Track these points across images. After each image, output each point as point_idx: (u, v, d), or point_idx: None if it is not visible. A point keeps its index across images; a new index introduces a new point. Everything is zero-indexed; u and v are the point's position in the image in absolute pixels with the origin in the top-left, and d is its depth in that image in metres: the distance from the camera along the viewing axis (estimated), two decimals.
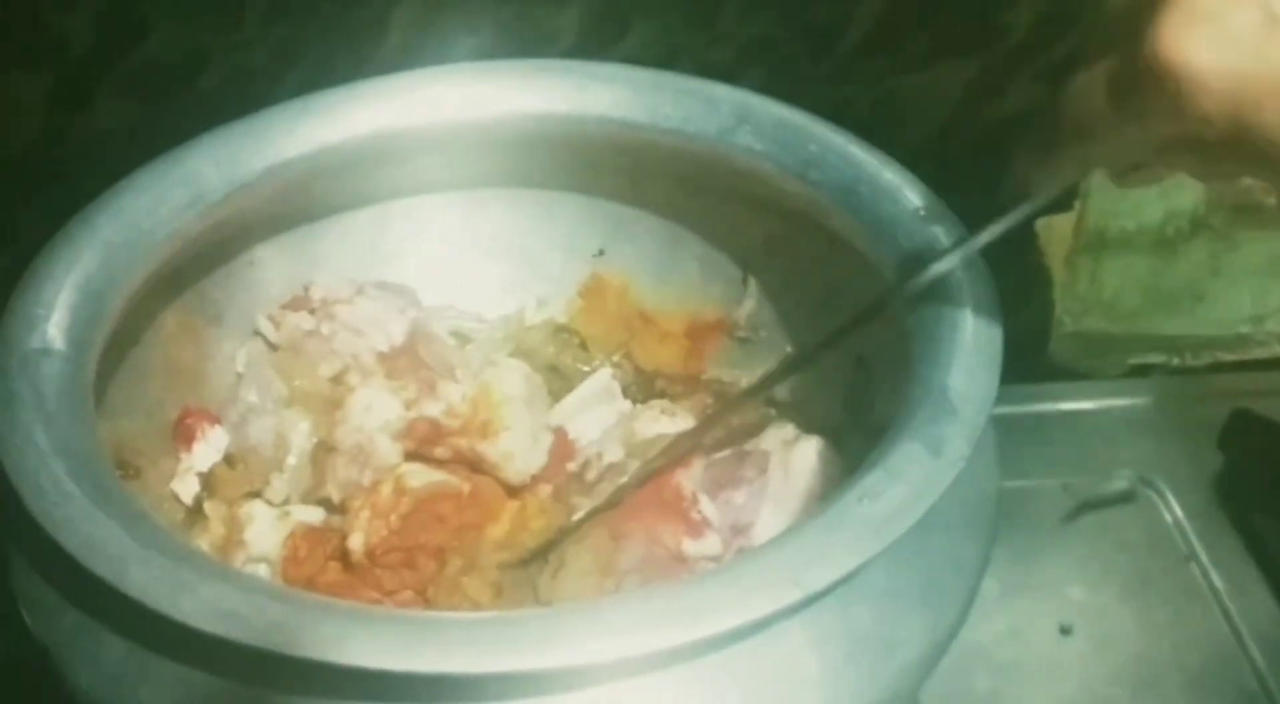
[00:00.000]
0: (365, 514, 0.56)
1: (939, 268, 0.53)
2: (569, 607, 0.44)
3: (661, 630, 0.42)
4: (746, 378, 0.69)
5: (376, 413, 0.60)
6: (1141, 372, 0.91)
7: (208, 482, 0.61)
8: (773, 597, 0.43)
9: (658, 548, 0.57)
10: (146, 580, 0.43)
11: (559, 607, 0.44)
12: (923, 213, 0.58)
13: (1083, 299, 0.90)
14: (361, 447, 0.59)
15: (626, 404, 0.65)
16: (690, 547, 0.58)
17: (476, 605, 0.54)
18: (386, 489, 0.57)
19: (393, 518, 0.56)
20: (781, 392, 0.67)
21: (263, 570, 0.56)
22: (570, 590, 0.54)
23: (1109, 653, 0.66)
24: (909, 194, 0.59)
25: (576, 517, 0.59)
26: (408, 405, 0.60)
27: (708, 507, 0.60)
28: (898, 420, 0.50)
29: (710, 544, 0.58)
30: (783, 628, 0.44)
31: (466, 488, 0.59)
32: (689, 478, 0.61)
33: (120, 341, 0.56)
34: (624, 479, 0.61)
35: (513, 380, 0.61)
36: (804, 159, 0.61)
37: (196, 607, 0.42)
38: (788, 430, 0.63)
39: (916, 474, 0.47)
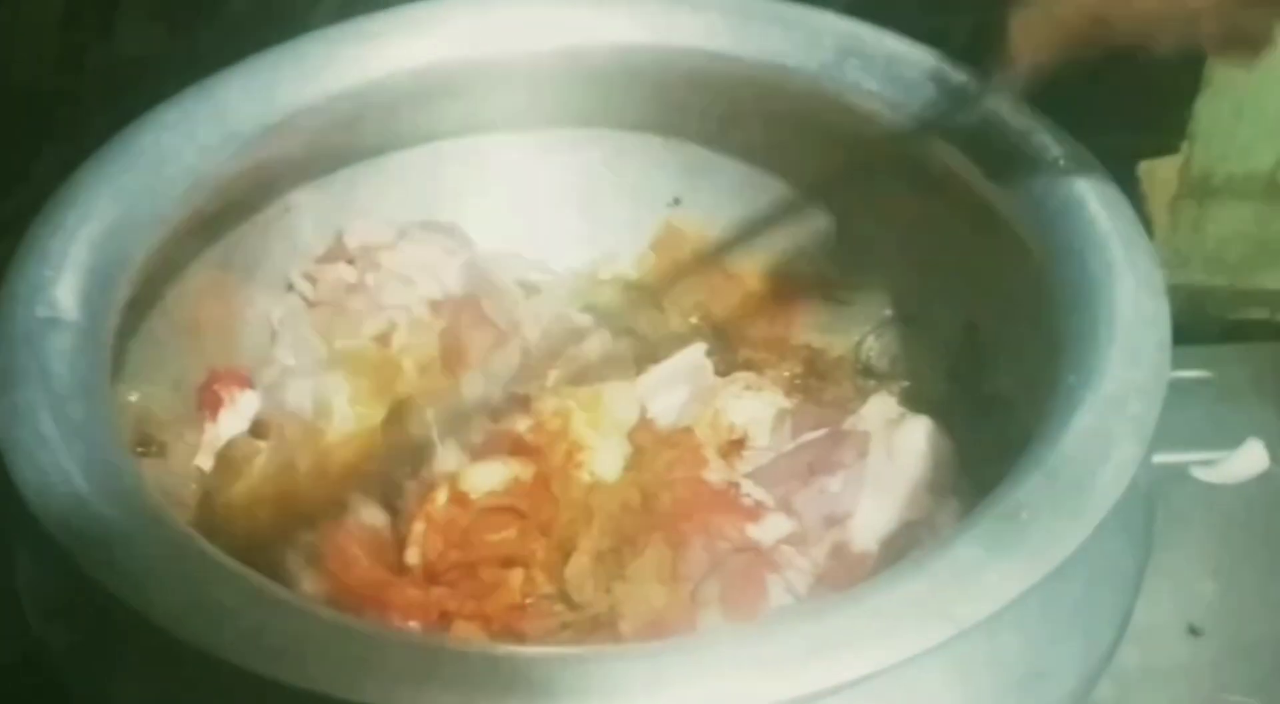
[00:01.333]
0: (420, 527, 0.49)
1: None
2: (677, 644, 0.37)
3: (788, 673, 0.35)
4: (840, 344, 0.62)
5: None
6: (1241, 329, 0.84)
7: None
8: (920, 634, 0.37)
9: (721, 543, 0.51)
10: (175, 606, 0.36)
11: (667, 643, 0.37)
12: (1062, 161, 0.51)
13: (1184, 250, 0.83)
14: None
15: (710, 381, 0.58)
16: (756, 532, 0.51)
17: (546, 627, 0.47)
18: (442, 498, 0.50)
19: (452, 531, 0.49)
20: (879, 361, 0.61)
21: None
22: (642, 605, 0.47)
23: (1244, 656, 0.60)
24: (1045, 140, 0.52)
25: None
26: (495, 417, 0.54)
27: (753, 488, 0.53)
28: (1047, 411, 0.43)
29: (777, 524, 0.52)
30: (921, 663, 0.37)
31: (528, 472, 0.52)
32: (714, 470, 0.54)
33: (140, 302, 0.50)
34: None
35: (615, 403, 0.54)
36: (922, 99, 0.54)
37: (237, 640, 0.35)
38: (890, 406, 0.56)
39: (1083, 482, 0.40)
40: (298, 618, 0.36)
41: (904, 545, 0.51)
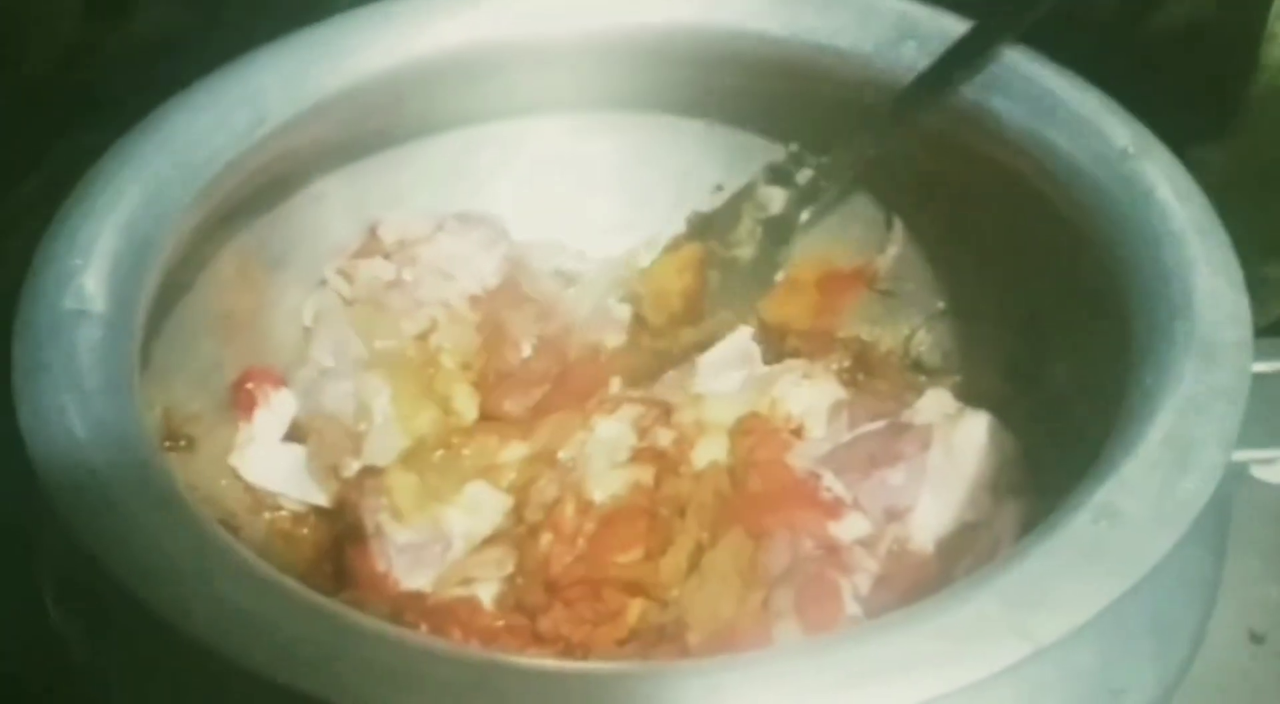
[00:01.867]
0: (548, 538, 0.47)
1: None
2: (736, 662, 0.35)
3: (851, 694, 0.33)
4: (889, 337, 0.60)
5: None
6: None
7: None
8: (993, 653, 0.34)
9: (804, 540, 0.49)
10: (201, 610, 0.34)
11: (725, 661, 0.35)
12: (1131, 149, 0.48)
13: (1237, 239, 0.81)
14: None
15: (762, 369, 0.56)
16: (837, 530, 0.50)
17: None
18: (570, 508, 0.49)
19: (579, 541, 0.47)
20: (931, 355, 0.58)
21: None
22: (709, 607, 0.45)
23: None
24: (1115, 127, 0.49)
25: None
26: (641, 434, 0.52)
27: (833, 482, 0.51)
28: (1121, 413, 0.41)
29: (856, 524, 0.50)
30: (992, 683, 0.35)
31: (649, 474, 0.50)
32: (799, 454, 0.52)
33: (169, 292, 0.48)
34: None
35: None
36: (983, 82, 0.51)
37: (269, 650, 0.33)
38: (947, 401, 0.54)
39: (1166, 490, 0.38)
40: (333, 627, 0.34)
41: (961, 547, 0.49)
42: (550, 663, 0.37)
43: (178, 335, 0.51)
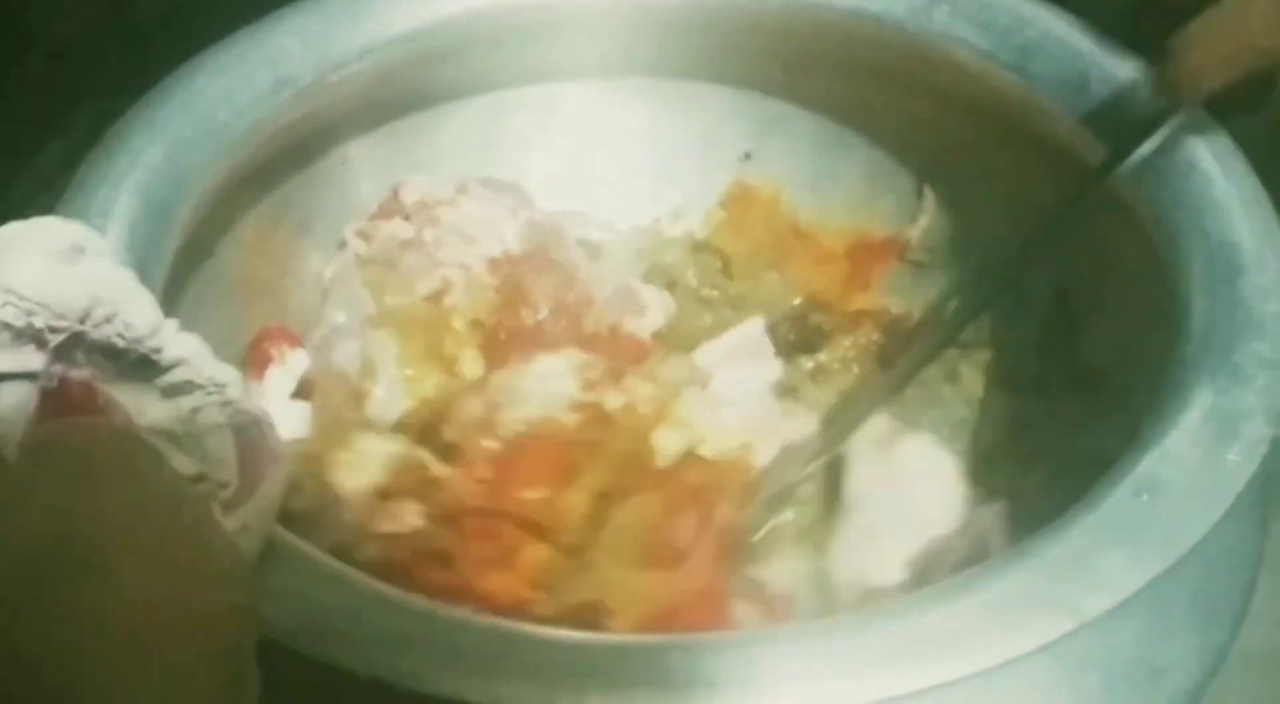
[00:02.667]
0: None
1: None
2: (773, 636, 0.34)
3: (896, 670, 0.33)
4: (919, 309, 0.58)
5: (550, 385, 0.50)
6: None
7: None
8: (1037, 628, 0.33)
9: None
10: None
11: (762, 635, 0.34)
12: (1167, 112, 0.47)
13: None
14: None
15: (776, 367, 0.55)
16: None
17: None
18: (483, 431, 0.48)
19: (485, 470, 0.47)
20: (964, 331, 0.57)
21: None
22: (619, 573, 0.45)
23: None
24: (1150, 92, 0.48)
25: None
26: (586, 387, 0.50)
27: None
28: (1163, 384, 0.40)
29: None
30: (1030, 661, 0.34)
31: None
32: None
33: (189, 255, 0.48)
34: None
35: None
36: (1019, 47, 0.51)
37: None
38: (883, 425, 0.52)
39: (1210, 462, 0.37)
40: (350, 593, 0.34)
41: (932, 560, 0.48)
42: (578, 634, 0.36)
43: (199, 299, 0.50)
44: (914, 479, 0.50)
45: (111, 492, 0.27)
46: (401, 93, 0.55)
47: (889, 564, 0.47)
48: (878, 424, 0.52)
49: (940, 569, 0.45)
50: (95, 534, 0.26)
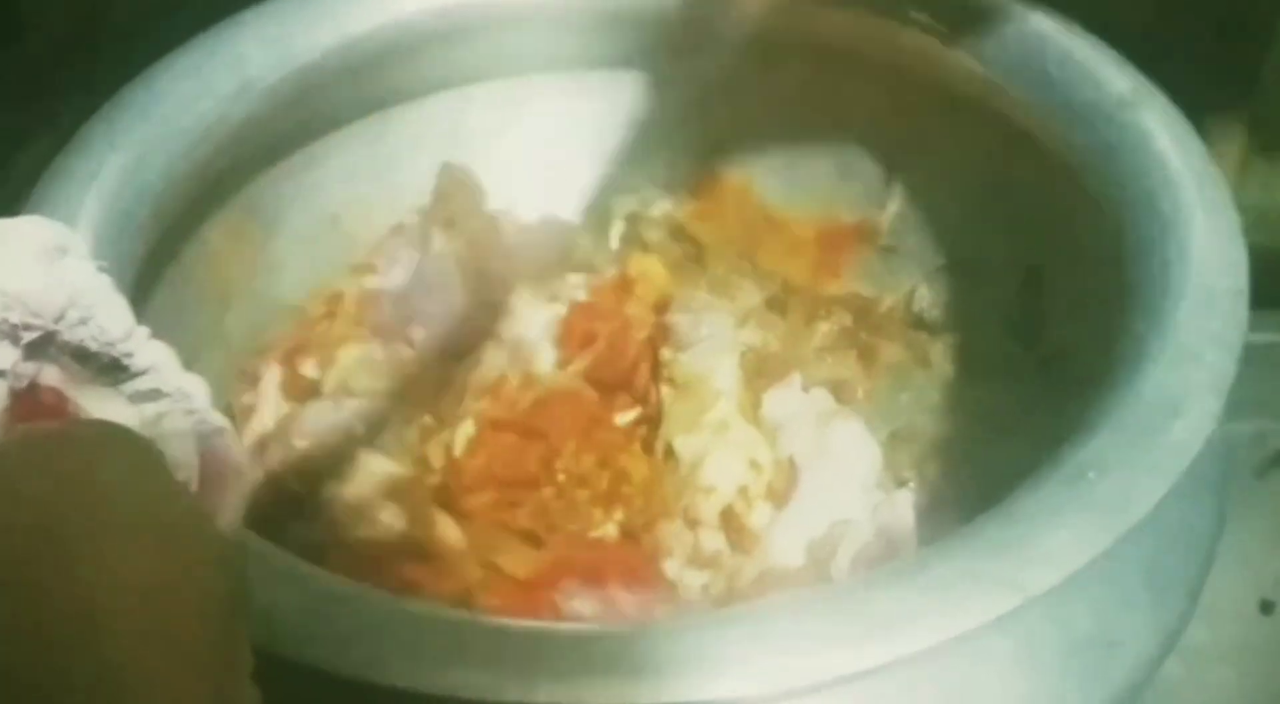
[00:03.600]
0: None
1: None
2: (732, 617, 0.35)
3: (848, 647, 0.33)
4: (890, 294, 0.59)
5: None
6: None
7: None
8: (986, 604, 0.34)
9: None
10: None
11: (721, 616, 0.35)
12: (1130, 97, 0.47)
13: (1253, 209, 0.80)
14: None
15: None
16: None
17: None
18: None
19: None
20: (932, 312, 0.58)
21: None
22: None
23: None
24: (1113, 75, 0.48)
25: None
26: None
27: None
28: (1114, 362, 0.40)
29: None
30: (987, 634, 0.35)
31: None
32: None
33: (155, 261, 0.48)
34: None
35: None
36: (975, 31, 0.50)
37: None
38: (826, 401, 0.53)
39: (1156, 438, 0.37)
40: (301, 587, 0.34)
41: (832, 544, 0.48)
42: (530, 623, 0.37)
43: (165, 304, 0.50)
44: (834, 463, 0.50)
45: (102, 471, 0.27)
46: (364, 92, 0.55)
47: (791, 546, 0.47)
48: (819, 401, 0.52)
49: (838, 557, 0.46)
50: (84, 514, 0.26)
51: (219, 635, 0.26)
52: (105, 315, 0.32)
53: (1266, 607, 0.58)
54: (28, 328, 0.31)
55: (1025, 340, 0.55)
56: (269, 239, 0.55)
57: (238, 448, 0.35)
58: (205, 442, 0.34)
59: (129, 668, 0.24)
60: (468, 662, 0.33)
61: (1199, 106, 0.49)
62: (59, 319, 0.32)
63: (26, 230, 0.32)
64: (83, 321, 0.32)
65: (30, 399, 0.32)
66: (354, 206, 0.58)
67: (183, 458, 0.34)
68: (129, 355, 0.33)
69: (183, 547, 0.27)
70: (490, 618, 0.36)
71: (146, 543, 0.26)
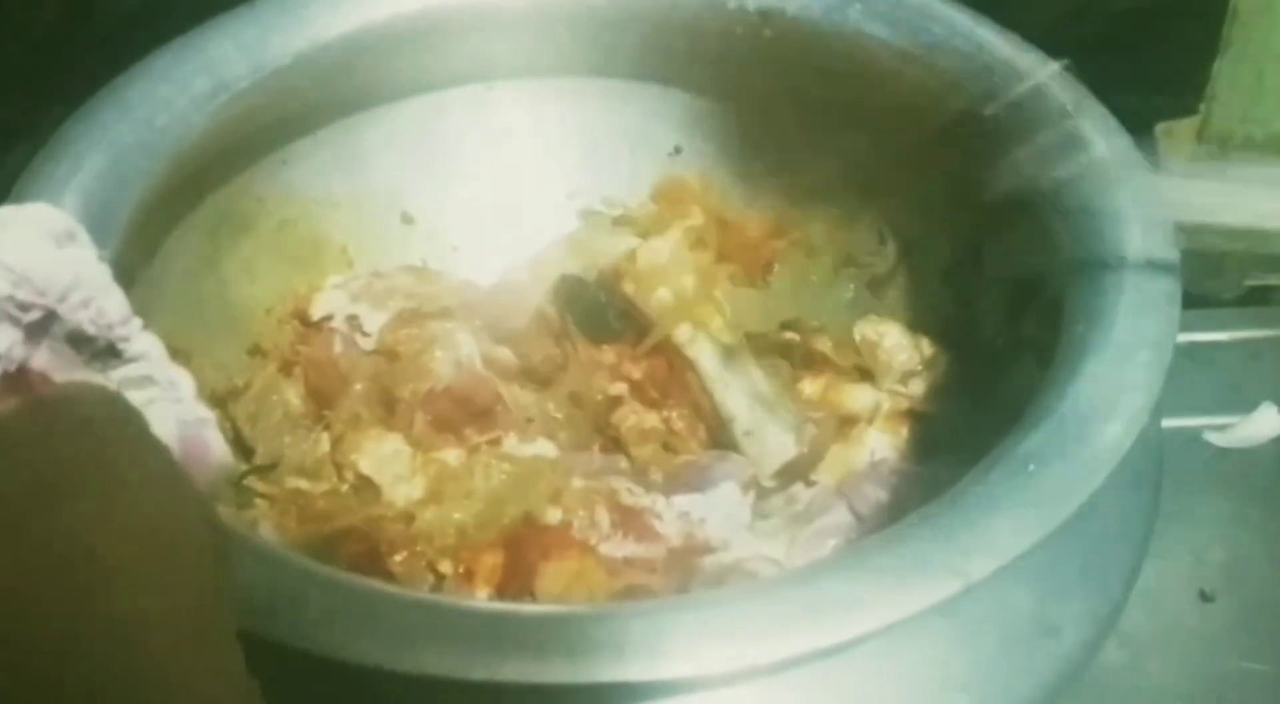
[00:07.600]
0: None
1: None
2: (677, 603, 0.37)
3: (792, 631, 0.35)
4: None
5: None
6: (1259, 293, 0.82)
7: None
8: (928, 590, 0.35)
9: None
10: None
11: (666, 602, 0.36)
12: (1070, 107, 0.49)
13: None
14: None
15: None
16: None
17: None
18: None
19: None
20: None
21: None
22: None
23: (1255, 622, 0.58)
24: (1053, 87, 0.51)
25: None
26: None
27: None
28: (1057, 360, 0.42)
29: None
30: (927, 621, 0.36)
31: None
32: None
33: (131, 261, 0.49)
34: None
35: None
36: (926, 44, 0.53)
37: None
38: None
39: (1092, 433, 0.39)
40: (274, 568, 0.36)
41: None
42: (497, 605, 0.38)
43: (140, 305, 0.50)
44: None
45: (98, 426, 0.28)
46: (337, 95, 0.56)
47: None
48: (757, 382, 0.54)
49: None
50: (84, 467, 0.26)
51: (213, 586, 0.27)
52: (105, 300, 0.34)
53: (1205, 596, 0.60)
54: (32, 306, 0.32)
55: (1004, 332, 0.56)
56: (242, 242, 0.56)
57: (218, 440, 0.36)
58: (189, 430, 0.35)
59: (136, 614, 0.25)
60: (436, 641, 0.34)
61: (1148, 117, 0.51)
62: (62, 300, 0.33)
63: (36, 214, 0.33)
64: (84, 304, 0.33)
65: (20, 382, 0.33)
66: (326, 209, 0.59)
67: (167, 442, 0.35)
68: (125, 340, 0.34)
69: (176, 499, 0.27)
70: (458, 599, 0.37)
71: (145, 495, 0.27)
